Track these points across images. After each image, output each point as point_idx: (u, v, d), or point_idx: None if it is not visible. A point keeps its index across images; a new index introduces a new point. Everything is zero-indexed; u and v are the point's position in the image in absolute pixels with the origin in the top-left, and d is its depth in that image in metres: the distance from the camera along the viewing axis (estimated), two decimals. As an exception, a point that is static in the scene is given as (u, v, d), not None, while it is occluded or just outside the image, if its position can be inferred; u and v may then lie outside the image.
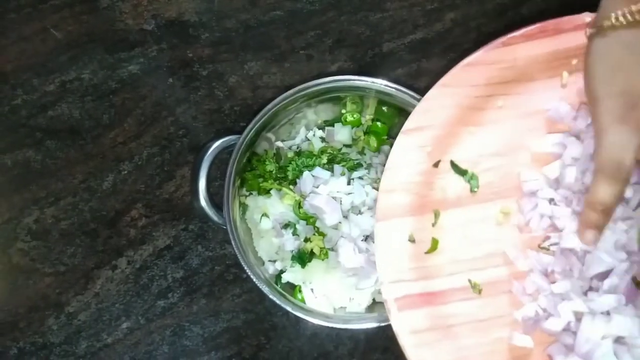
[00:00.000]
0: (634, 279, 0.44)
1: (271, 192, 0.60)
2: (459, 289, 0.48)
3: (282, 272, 0.60)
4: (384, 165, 0.52)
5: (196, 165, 0.57)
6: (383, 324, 0.53)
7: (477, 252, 0.50)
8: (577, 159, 0.47)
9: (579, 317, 0.42)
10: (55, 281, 0.63)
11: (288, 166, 0.60)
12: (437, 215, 0.50)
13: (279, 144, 0.63)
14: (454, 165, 0.51)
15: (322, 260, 0.58)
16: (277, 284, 0.59)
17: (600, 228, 0.40)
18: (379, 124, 0.64)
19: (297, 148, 0.63)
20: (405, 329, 0.46)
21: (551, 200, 0.49)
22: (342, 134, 0.63)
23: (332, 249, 0.58)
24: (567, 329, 0.43)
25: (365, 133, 0.64)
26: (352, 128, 0.64)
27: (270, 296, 0.55)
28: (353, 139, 0.64)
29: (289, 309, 0.54)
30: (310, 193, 0.58)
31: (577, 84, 0.49)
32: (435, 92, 0.50)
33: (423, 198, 0.51)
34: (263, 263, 0.61)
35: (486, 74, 0.51)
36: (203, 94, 0.66)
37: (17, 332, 0.62)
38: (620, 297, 0.42)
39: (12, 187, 0.64)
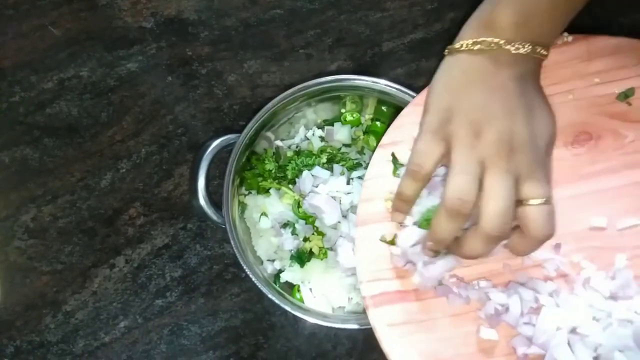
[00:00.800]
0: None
1: (270, 191, 0.60)
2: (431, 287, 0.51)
3: (280, 271, 0.60)
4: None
5: (195, 163, 0.57)
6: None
7: None
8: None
9: (538, 311, 0.46)
10: (53, 279, 0.62)
11: (287, 165, 0.60)
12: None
13: (279, 143, 0.63)
14: None
15: (321, 259, 0.58)
16: (275, 284, 0.59)
17: (404, 212, 0.49)
18: (378, 123, 0.64)
19: (297, 147, 0.63)
20: (382, 323, 0.48)
21: None
22: (341, 134, 0.63)
23: (331, 249, 0.58)
24: (528, 323, 0.46)
25: (364, 132, 0.64)
26: (352, 127, 0.64)
27: (269, 295, 0.55)
28: (352, 139, 0.64)
29: (287, 308, 0.54)
30: (309, 192, 0.58)
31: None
32: (408, 110, 0.53)
33: None
34: (262, 262, 0.61)
35: None
36: (202, 92, 0.65)
37: (14, 330, 0.62)
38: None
39: (9, 184, 0.64)
